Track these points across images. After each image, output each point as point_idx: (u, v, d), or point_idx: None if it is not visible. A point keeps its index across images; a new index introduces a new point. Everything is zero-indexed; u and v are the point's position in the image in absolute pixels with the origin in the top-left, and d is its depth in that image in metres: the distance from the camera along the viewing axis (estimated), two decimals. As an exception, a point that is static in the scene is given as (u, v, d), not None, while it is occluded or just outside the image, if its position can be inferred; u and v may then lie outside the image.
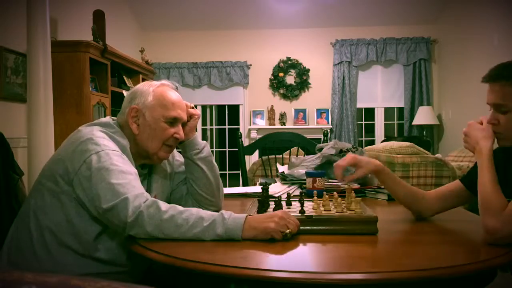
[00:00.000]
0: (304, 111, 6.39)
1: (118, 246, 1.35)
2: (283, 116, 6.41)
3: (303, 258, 1.13)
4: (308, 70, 6.41)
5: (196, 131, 1.62)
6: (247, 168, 3.10)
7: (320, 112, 6.38)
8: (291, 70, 6.45)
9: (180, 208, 1.24)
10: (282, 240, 1.17)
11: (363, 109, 6.53)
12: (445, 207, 1.51)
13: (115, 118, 1.52)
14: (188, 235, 1.19)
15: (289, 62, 6.42)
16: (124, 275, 1.38)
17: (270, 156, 3.02)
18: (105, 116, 1.63)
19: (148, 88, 1.49)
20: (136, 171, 1.35)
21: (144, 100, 1.46)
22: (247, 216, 1.22)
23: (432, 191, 1.54)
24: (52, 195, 1.32)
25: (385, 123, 6.50)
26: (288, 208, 1.44)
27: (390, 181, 1.51)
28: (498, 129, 1.33)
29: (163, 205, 1.23)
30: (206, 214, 1.23)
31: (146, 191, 1.39)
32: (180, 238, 1.19)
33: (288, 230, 1.19)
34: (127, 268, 1.39)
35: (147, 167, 1.56)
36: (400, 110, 6.44)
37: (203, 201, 1.58)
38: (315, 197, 1.38)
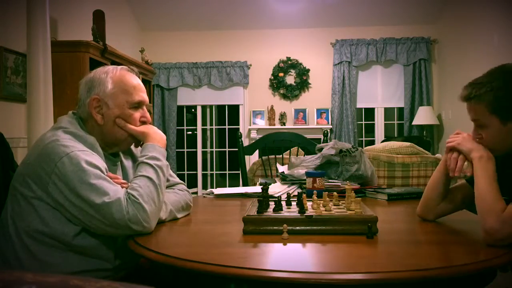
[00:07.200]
0: (304, 111, 6.39)
1: (100, 243, 1.33)
2: (283, 116, 6.41)
3: (303, 258, 1.13)
4: (308, 70, 6.41)
5: None
6: (247, 168, 3.09)
7: (320, 112, 6.38)
8: (291, 70, 6.44)
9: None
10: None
11: (363, 109, 6.52)
12: (450, 209, 1.48)
13: (76, 112, 1.47)
14: (162, 187, 1.36)
15: (289, 62, 6.42)
16: (112, 271, 1.37)
17: (270, 156, 3.02)
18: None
19: (106, 76, 1.44)
20: (106, 167, 1.34)
21: (104, 89, 1.42)
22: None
23: None
24: (26, 200, 1.29)
25: (385, 123, 6.50)
26: (288, 208, 1.44)
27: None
28: (483, 143, 1.35)
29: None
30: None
31: (124, 179, 1.42)
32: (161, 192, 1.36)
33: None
34: (113, 265, 1.37)
35: (119, 155, 1.53)
36: (400, 110, 6.44)
37: None
38: (315, 197, 1.38)
